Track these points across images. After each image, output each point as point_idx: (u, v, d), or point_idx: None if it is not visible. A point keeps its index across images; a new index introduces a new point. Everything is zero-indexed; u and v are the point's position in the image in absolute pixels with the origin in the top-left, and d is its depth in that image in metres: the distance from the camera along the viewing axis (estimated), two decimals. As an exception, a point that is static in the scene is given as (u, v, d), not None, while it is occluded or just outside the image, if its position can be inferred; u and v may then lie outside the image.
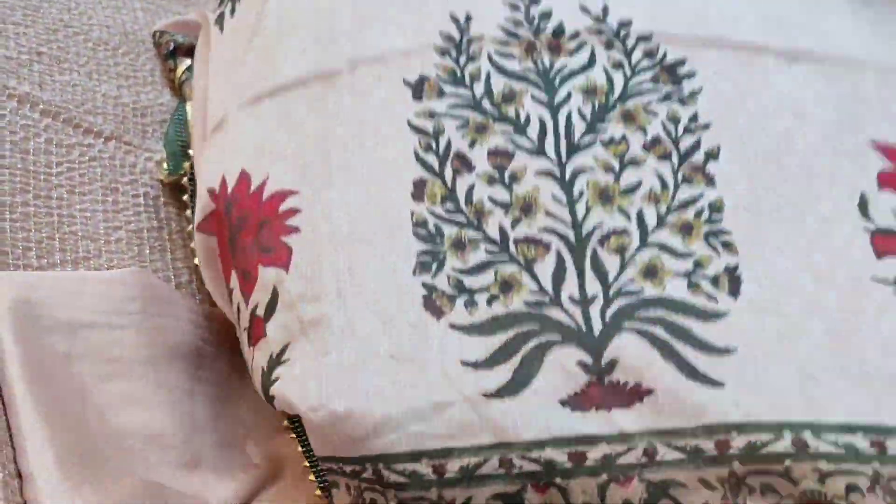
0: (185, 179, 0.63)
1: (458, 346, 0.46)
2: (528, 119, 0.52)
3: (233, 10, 0.61)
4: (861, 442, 0.44)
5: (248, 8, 0.60)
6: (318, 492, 0.51)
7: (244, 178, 0.52)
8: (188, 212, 0.62)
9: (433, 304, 0.47)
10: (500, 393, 0.45)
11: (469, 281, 0.47)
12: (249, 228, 0.51)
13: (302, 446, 0.53)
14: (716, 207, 0.49)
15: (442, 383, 0.45)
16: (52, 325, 0.49)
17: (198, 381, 0.54)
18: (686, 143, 0.51)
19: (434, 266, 0.48)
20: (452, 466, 0.45)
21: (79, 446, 0.45)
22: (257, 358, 0.49)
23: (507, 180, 0.51)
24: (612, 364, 0.45)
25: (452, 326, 0.46)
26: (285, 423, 0.55)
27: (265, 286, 0.49)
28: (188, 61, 0.69)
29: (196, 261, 0.58)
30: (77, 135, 0.62)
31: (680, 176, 0.50)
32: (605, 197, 0.50)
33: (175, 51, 0.70)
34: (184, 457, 0.50)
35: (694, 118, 0.52)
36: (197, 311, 0.57)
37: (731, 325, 0.46)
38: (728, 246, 0.48)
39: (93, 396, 0.49)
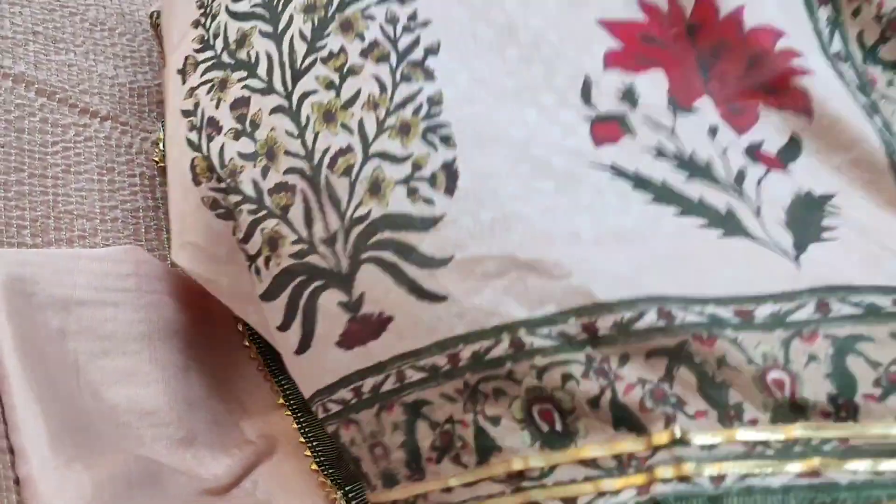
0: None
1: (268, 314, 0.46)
2: (257, 58, 0.50)
3: None
4: (573, 328, 0.41)
5: None
6: (314, 466, 0.51)
7: None
8: None
9: None
10: (298, 351, 0.46)
11: (247, 249, 0.47)
12: None
13: (297, 423, 0.53)
14: (435, 101, 0.46)
15: None
16: (45, 302, 0.49)
17: (192, 358, 0.54)
18: (405, 41, 0.48)
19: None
20: None
21: (72, 422, 0.45)
22: None
23: (248, 129, 0.49)
24: (361, 298, 0.44)
25: (260, 297, 0.46)
26: (280, 400, 0.55)
27: None
28: (183, 41, 0.68)
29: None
30: (73, 114, 0.62)
31: (398, 75, 0.47)
32: (328, 116, 0.47)
33: (171, 31, 0.69)
34: (178, 433, 0.50)
35: (413, 16, 0.49)
36: (192, 288, 0.56)
37: (448, 227, 0.43)
38: (446, 140, 0.45)
39: (86, 373, 0.49)
